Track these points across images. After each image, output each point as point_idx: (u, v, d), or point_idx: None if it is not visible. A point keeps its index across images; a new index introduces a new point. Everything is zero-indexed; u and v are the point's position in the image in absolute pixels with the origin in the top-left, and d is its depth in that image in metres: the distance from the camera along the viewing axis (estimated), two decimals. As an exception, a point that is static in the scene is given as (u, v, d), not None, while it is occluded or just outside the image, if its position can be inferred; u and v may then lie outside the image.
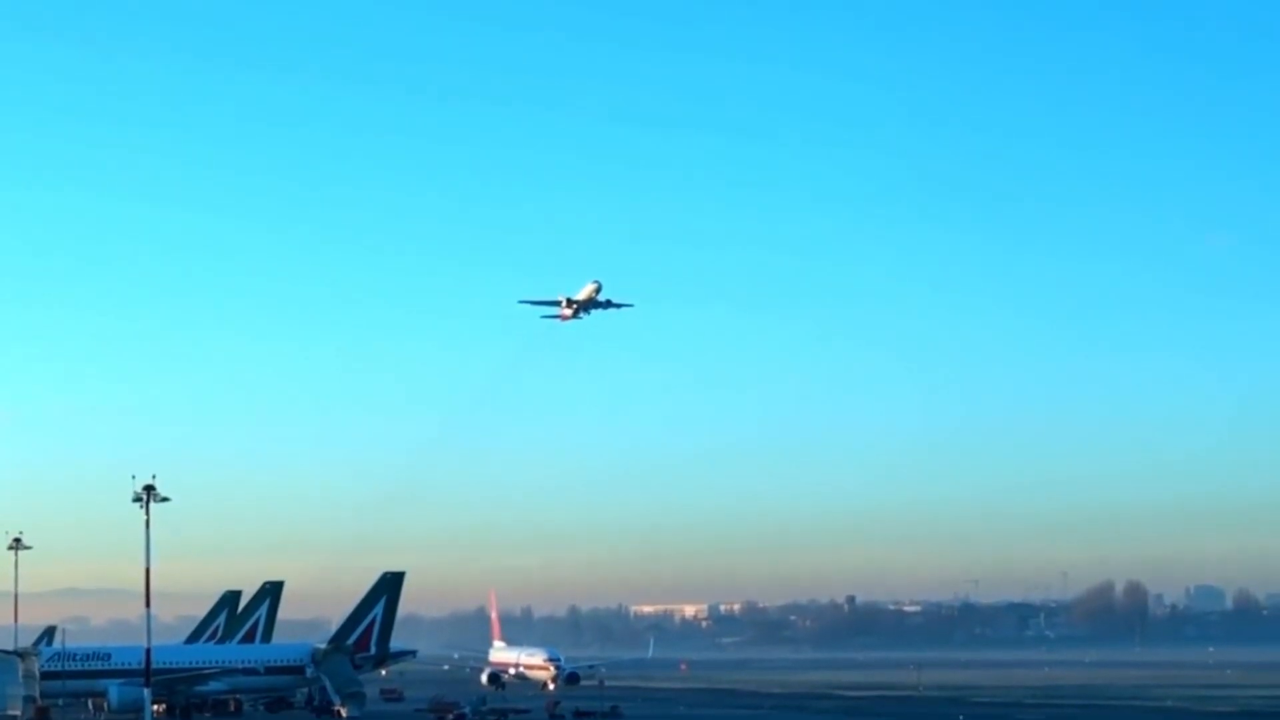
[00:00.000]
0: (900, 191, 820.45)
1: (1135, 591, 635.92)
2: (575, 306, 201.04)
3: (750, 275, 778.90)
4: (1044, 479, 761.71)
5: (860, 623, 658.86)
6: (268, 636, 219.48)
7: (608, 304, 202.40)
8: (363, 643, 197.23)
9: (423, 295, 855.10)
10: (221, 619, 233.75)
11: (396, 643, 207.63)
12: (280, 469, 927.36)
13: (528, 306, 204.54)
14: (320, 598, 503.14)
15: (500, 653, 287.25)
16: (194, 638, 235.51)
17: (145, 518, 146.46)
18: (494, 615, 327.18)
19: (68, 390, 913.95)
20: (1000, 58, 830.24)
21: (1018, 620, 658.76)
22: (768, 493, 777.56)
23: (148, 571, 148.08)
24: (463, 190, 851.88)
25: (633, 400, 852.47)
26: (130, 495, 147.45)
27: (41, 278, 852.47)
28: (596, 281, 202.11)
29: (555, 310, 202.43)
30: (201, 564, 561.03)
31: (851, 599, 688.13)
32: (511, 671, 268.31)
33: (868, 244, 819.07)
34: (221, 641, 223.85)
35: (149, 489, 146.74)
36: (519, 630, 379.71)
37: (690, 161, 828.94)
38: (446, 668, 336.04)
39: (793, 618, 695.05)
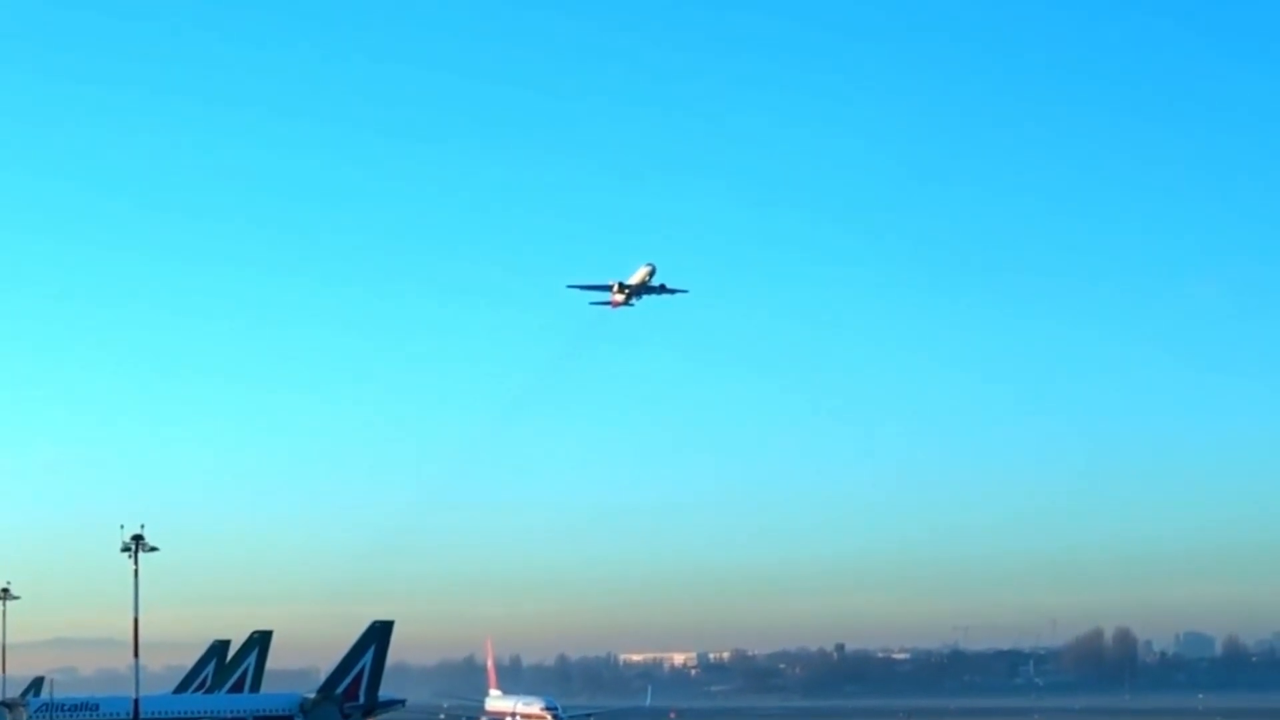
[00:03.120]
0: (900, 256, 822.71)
1: (1124, 638, 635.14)
2: (627, 291, 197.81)
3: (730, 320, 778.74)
4: (1032, 525, 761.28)
5: (849, 670, 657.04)
6: (256, 686, 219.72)
7: (661, 289, 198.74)
8: (352, 692, 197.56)
9: (410, 341, 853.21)
10: (210, 668, 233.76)
11: (385, 691, 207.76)
12: (268, 518, 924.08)
13: (576, 292, 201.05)
14: (309, 647, 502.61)
15: (496, 701, 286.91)
16: (183, 687, 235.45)
17: (134, 567, 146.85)
18: (490, 663, 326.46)
19: (55, 440, 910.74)
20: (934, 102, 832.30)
21: (1007, 667, 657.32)
22: (756, 540, 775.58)
23: (136, 621, 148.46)
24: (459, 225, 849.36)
25: (622, 447, 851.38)
26: (119, 545, 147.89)
27: (29, 323, 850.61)
28: (650, 265, 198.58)
29: (606, 295, 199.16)
30: (190, 613, 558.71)
31: (841, 647, 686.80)
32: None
33: (849, 300, 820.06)
34: (210, 691, 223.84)
35: (137, 539, 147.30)
36: (507, 679, 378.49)
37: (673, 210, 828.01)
38: (442, 717, 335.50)
39: (782, 666, 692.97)
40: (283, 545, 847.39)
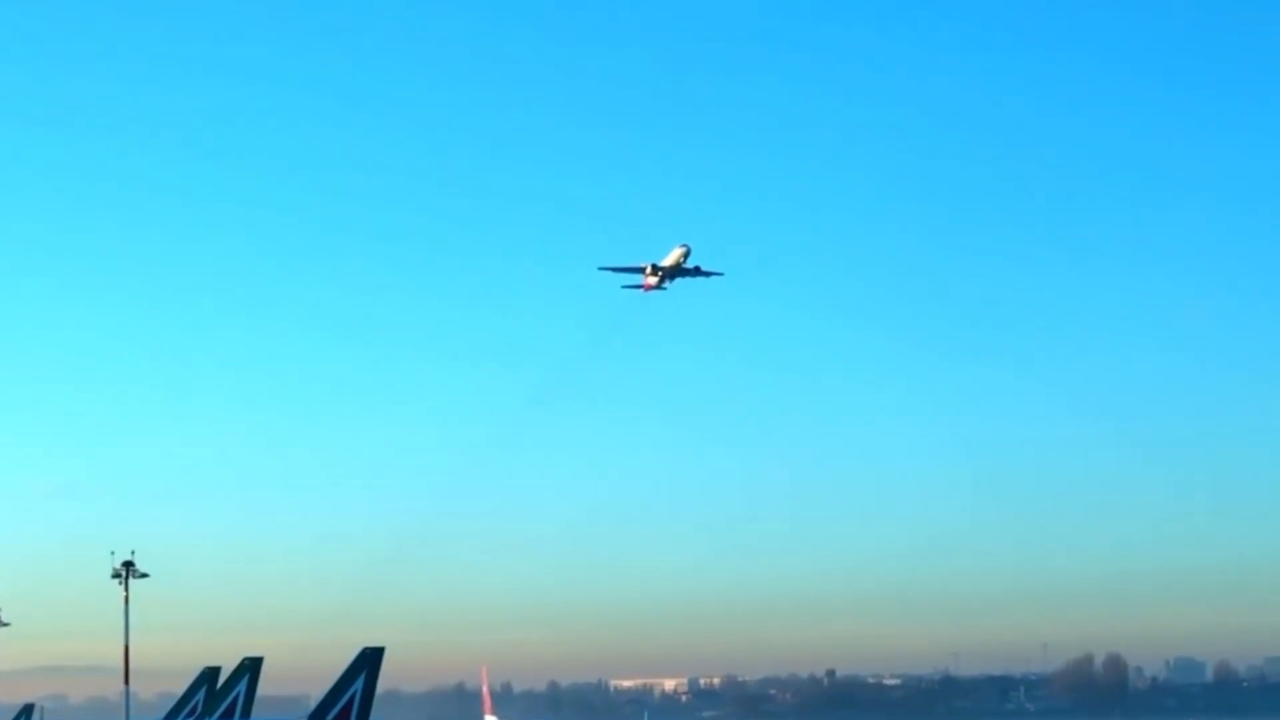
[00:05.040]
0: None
1: (1115, 664, 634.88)
2: (661, 274, 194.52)
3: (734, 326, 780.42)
4: (1023, 552, 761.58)
5: (840, 696, 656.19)
6: (247, 713, 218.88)
7: (696, 271, 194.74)
8: (342, 719, 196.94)
9: (405, 355, 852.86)
10: (200, 696, 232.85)
11: (376, 718, 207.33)
12: (259, 544, 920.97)
13: (608, 274, 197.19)
14: (300, 674, 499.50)
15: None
16: (173, 714, 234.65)
17: (124, 594, 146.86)
18: (485, 690, 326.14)
19: (45, 466, 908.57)
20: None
21: (998, 693, 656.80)
22: (748, 565, 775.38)
23: (126, 648, 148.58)
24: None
25: (610, 471, 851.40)
26: (109, 571, 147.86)
27: (21, 346, 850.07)
28: (685, 245, 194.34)
29: (638, 279, 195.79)
30: (180, 640, 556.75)
31: (831, 672, 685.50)
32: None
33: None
34: (200, 718, 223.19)
35: (128, 565, 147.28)
36: (499, 705, 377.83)
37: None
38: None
39: (773, 691, 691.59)
40: (274, 572, 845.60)
